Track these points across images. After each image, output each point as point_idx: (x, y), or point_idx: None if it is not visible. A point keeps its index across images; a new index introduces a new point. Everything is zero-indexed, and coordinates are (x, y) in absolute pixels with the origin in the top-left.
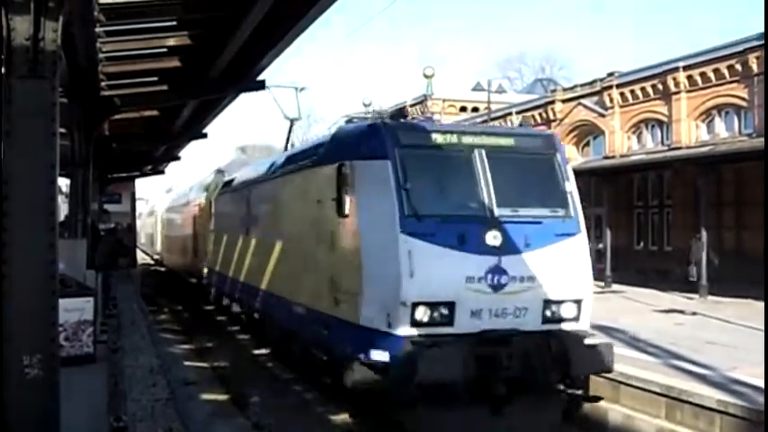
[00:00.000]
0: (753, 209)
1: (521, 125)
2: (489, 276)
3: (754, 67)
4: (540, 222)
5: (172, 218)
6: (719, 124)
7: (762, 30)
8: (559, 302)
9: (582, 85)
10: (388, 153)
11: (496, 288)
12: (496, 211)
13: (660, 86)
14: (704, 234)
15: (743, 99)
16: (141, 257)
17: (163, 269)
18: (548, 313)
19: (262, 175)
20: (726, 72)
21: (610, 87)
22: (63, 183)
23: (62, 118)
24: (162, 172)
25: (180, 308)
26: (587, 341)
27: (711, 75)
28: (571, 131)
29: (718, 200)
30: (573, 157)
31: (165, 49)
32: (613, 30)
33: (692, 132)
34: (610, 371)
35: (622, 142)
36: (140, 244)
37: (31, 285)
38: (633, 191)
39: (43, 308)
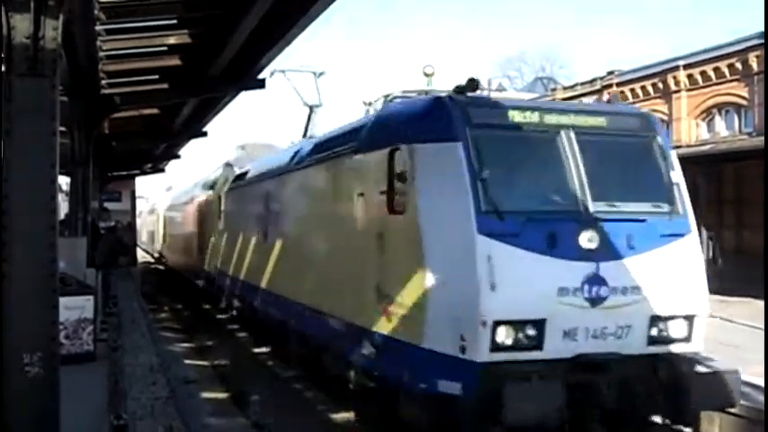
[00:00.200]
0: (753, 208)
1: (609, 101)
2: (586, 288)
3: (755, 66)
4: (643, 220)
5: (175, 216)
6: (720, 123)
7: (762, 29)
8: (668, 319)
9: (582, 84)
10: (458, 134)
11: (595, 302)
12: (591, 207)
13: (660, 85)
14: (705, 233)
15: (743, 98)
16: (141, 256)
17: (163, 267)
18: (654, 332)
19: (284, 166)
20: (726, 71)
21: (610, 86)
22: (63, 181)
23: (62, 116)
24: (162, 170)
25: (180, 306)
26: (702, 367)
27: (712, 73)
28: None
29: (718, 198)
30: None
31: (165, 48)
32: (613, 29)
33: (692, 131)
34: (733, 405)
35: None
36: (141, 242)
37: (31, 284)
38: None
39: (43, 306)
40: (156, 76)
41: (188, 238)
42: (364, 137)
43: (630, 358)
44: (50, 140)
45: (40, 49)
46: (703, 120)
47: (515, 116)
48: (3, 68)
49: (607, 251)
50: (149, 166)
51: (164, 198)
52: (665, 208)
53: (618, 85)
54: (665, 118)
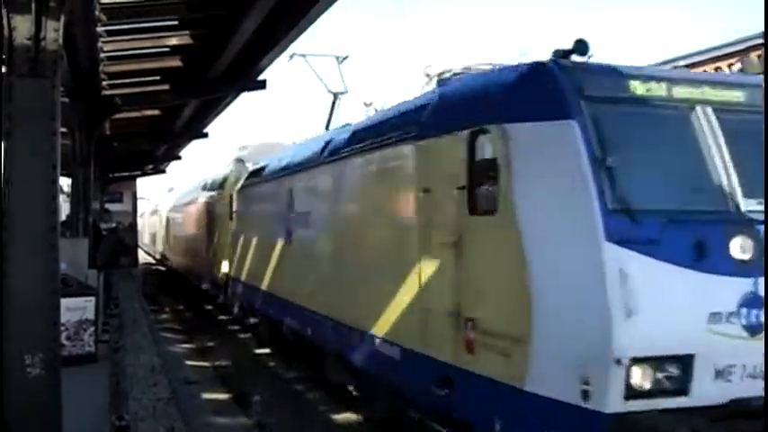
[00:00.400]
0: None
1: (742, 70)
2: (744, 312)
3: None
4: None
5: (180, 216)
6: None
7: (762, 29)
8: None
9: None
10: (571, 109)
11: (754, 331)
12: (743, 205)
13: None
14: None
15: None
16: (143, 257)
17: (164, 269)
18: None
19: (312, 158)
20: (727, 71)
21: None
22: (64, 182)
23: (63, 117)
24: (163, 171)
25: (181, 307)
26: None
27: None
28: None
29: None
30: None
31: (166, 49)
32: (614, 28)
33: None
34: None
35: None
36: (143, 244)
37: (32, 285)
38: None
39: (45, 307)
40: (158, 78)
41: (194, 239)
42: (428, 119)
43: None
44: (51, 141)
45: (41, 50)
46: None
47: (637, 87)
48: (4, 69)
49: (762, 263)
50: (150, 167)
51: (167, 198)
52: None
53: None
54: None
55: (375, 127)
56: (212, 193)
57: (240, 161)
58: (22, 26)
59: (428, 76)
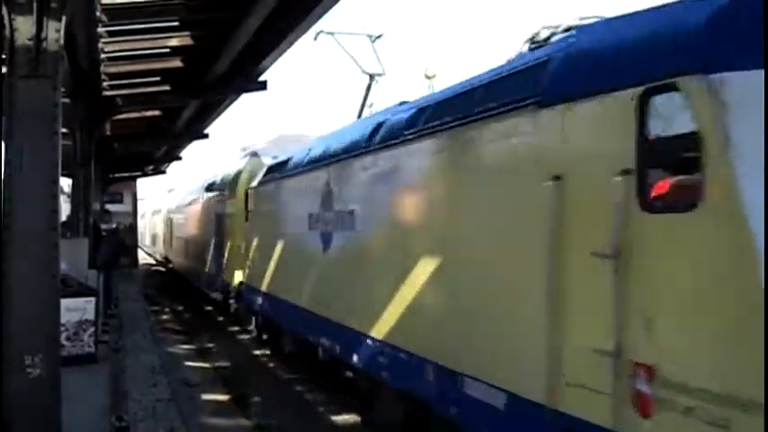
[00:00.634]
0: None
1: None
2: None
3: None
4: None
5: (184, 217)
6: None
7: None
8: None
9: None
10: None
11: None
12: None
13: None
14: None
15: None
16: (144, 258)
17: (164, 270)
18: None
19: (358, 144)
20: None
21: None
22: (65, 182)
23: (64, 118)
24: (163, 172)
25: (181, 308)
26: None
27: None
28: None
29: None
30: None
31: (167, 50)
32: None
33: None
34: None
35: None
36: (144, 245)
37: (32, 285)
38: None
39: (45, 307)
40: (158, 78)
41: (200, 241)
42: (555, 79)
43: None
44: (52, 141)
45: (42, 50)
46: None
47: None
48: (5, 70)
49: None
50: (151, 167)
51: (170, 198)
52: None
53: None
54: None
55: (456, 99)
56: (222, 191)
57: (255, 155)
58: (24, 27)
59: (427, 77)
